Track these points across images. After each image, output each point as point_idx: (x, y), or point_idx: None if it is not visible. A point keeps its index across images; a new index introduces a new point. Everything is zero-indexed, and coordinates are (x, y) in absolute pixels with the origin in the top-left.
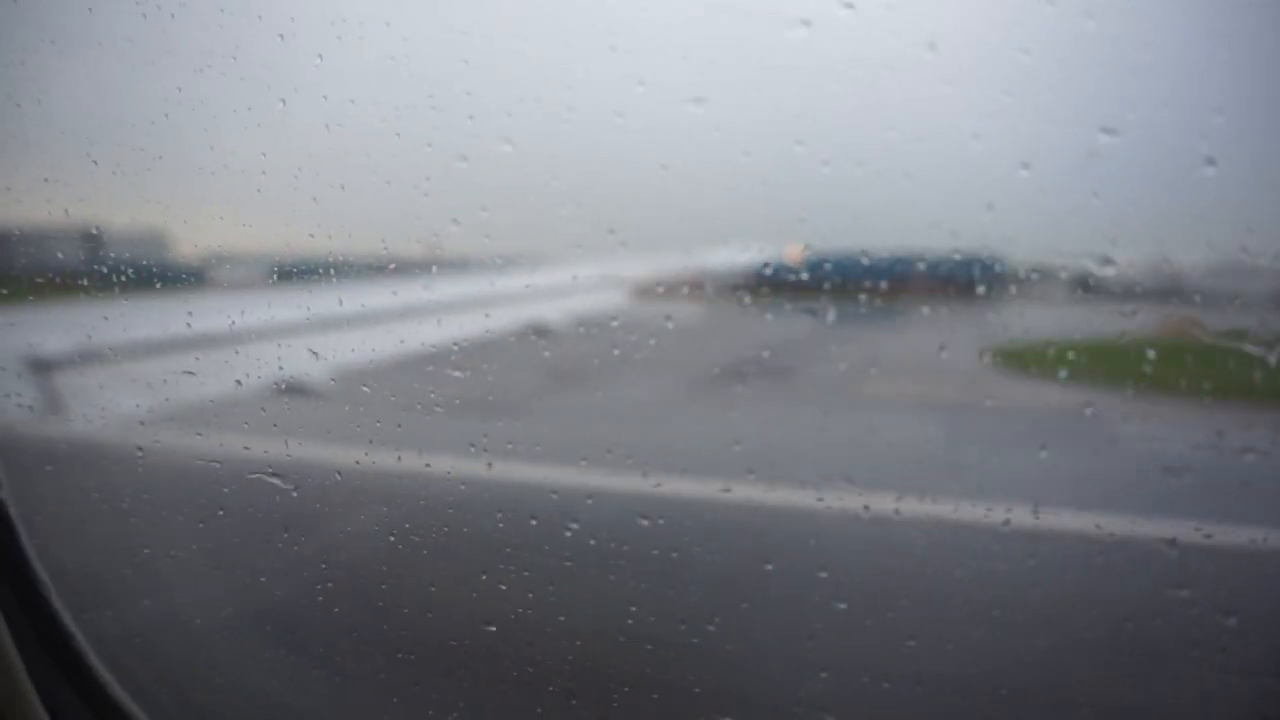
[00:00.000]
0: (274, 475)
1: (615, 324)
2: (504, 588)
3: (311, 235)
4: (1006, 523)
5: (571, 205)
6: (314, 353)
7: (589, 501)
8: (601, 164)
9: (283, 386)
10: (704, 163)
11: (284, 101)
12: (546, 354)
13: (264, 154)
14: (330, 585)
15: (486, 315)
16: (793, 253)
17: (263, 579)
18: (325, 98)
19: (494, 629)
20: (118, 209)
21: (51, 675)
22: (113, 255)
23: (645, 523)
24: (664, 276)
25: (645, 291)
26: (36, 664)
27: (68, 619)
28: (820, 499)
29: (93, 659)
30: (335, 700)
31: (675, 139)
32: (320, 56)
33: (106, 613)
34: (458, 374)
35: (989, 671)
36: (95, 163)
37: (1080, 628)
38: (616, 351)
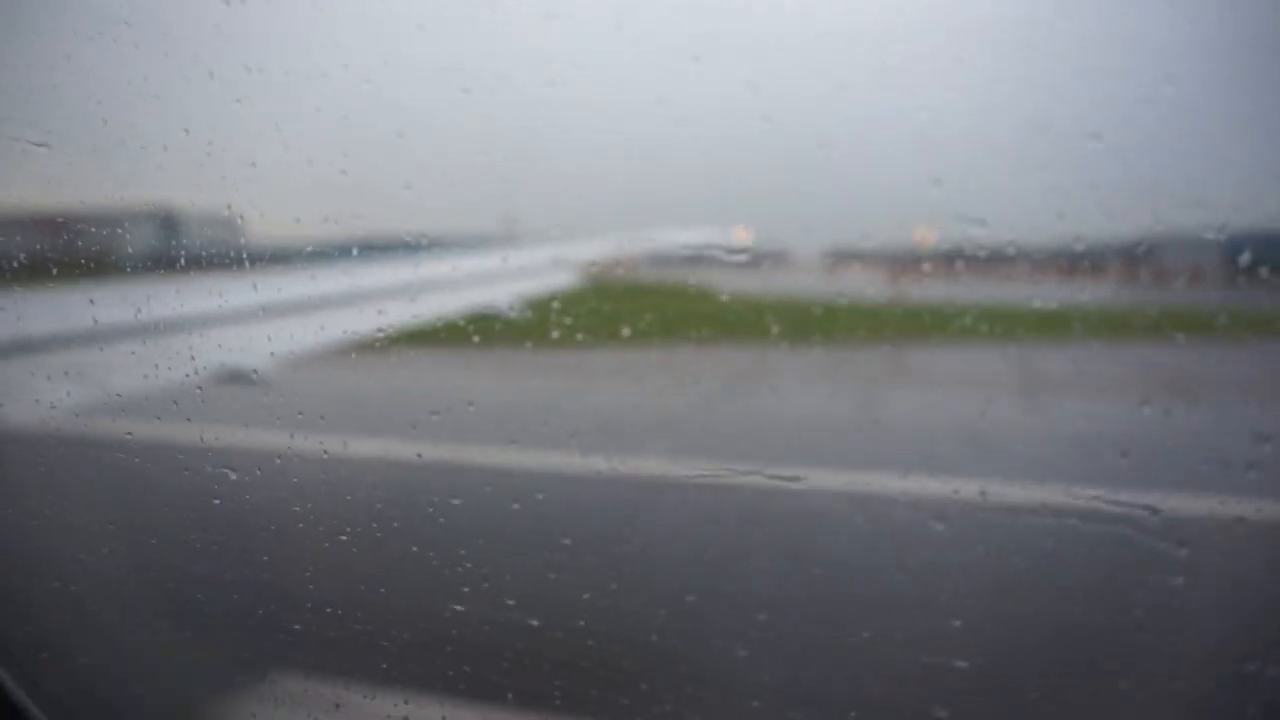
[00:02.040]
0: (214, 465)
1: (556, 305)
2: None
3: (226, 210)
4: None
5: (518, 186)
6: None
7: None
8: (554, 145)
9: (209, 377)
10: (657, 143)
11: (211, 74)
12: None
13: (181, 129)
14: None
15: (412, 300)
16: (740, 234)
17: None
18: (248, 68)
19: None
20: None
21: None
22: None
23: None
24: (616, 258)
25: (596, 273)
26: None
27: None
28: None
29: None
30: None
31: (627, 119)
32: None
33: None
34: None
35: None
36: None
37: None
38: (555, 334)
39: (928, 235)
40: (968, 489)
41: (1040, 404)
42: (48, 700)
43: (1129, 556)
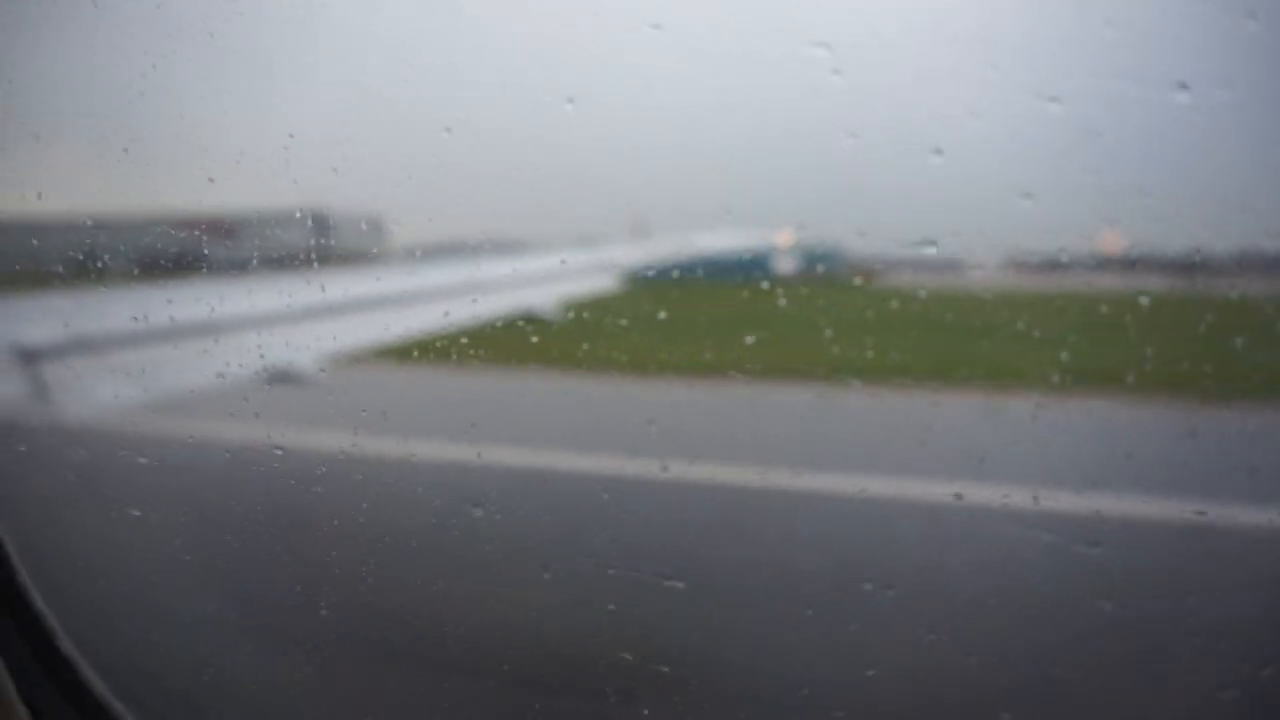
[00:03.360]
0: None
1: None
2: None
3: (298, 215)
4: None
5: (563, 189)
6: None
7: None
8: (597, 149)
9: (268, 376)
10: (699, 148)
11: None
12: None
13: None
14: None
15: (474, 300)
16: (783, 238)
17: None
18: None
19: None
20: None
21: (35, 676)
22: (88, 242)
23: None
24: (655, 260)
25: (636, 276)
26: (19, 665)
27: (51, 619)
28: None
29: (77, 658)
30: (323, 700)
31: (668, 125)
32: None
33: (92, 610)
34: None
35: None
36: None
37: None
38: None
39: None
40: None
41: None
42: (123, 693)
43: None
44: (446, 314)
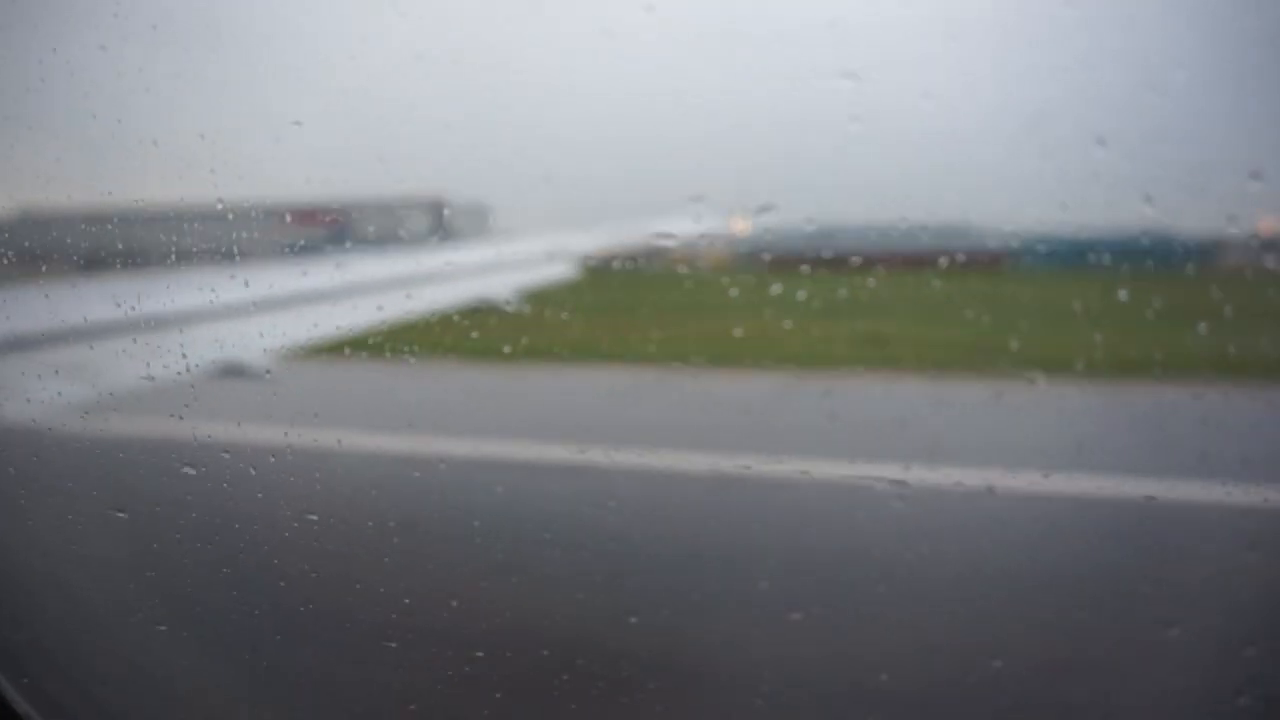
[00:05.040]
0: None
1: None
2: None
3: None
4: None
5: (522, 177)
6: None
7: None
8: (554, 134)
9: (215, 371)
10: (658, 133)
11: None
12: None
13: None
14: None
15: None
16: (738, 224)
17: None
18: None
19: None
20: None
21: None
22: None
23: None
24: (613, 248)
25: (594, 264)
26: None
27: None
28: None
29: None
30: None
31: (625, 107)
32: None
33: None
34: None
35: None
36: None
37: None
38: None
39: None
40: None
41: None
42: (48, 705)
43: None
44: (403, 299)
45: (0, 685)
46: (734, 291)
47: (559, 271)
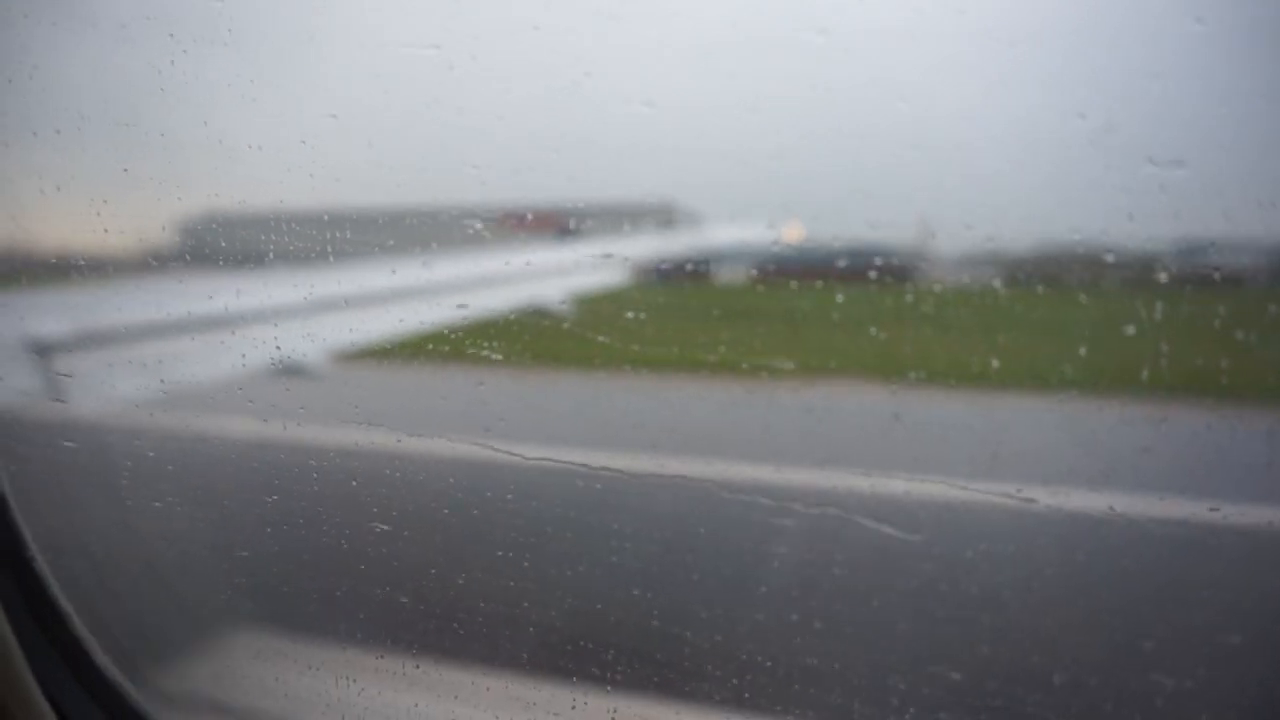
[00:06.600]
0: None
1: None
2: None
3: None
4: None
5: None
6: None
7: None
8: (606, 140)
9: (279, 369)
10: (709, 139)
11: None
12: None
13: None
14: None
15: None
16: (791, 232)
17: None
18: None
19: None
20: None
21: (52, 664)
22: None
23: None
24: (666, 255)
25: (651, 270)
26: (37, 653)
27: (67, 607)
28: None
29: (93, 646)
30: (341, 694)
31: (677, 114)
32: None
33: (108, 599)
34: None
35: None
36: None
37: None
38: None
39: None
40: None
41: None
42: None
43: None
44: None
45: (121, 687)
46: (803, 301)
47: (613, 277)
